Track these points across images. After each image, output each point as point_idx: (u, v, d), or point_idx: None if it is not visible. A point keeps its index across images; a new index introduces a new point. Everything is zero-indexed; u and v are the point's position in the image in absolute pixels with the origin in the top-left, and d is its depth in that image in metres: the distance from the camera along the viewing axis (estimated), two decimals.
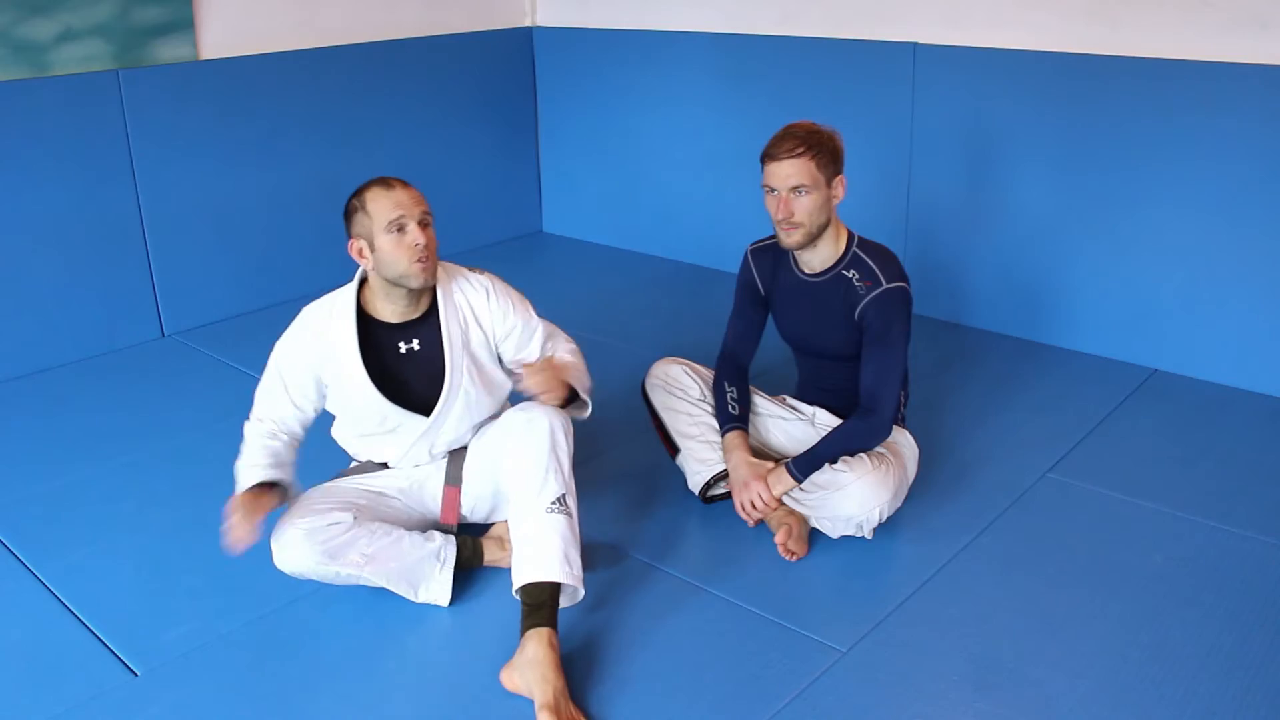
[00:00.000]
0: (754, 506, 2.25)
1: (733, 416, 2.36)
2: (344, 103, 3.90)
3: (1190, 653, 1.92)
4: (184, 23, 3.41)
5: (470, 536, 2.20)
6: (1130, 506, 2.41)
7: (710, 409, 2.42)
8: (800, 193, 2.18)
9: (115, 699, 1.86)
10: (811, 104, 3.63)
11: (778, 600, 2.10)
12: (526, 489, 1.98)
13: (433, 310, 2.12)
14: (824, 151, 2.18)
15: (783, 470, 2.24)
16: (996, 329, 3.46)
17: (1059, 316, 3.31)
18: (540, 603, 1.90)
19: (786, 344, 2.50)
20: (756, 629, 2.02)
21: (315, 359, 2.07)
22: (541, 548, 1.93)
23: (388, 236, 1.99)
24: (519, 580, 1.92)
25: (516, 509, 2.00)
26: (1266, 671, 1.86)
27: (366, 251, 2.02)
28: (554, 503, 1.97)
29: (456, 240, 4.40)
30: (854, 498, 2.20)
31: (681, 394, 2.43)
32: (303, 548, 1.97)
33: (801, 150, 2.17)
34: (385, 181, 2.04)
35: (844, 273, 2.28)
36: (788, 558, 2.22)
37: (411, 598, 2.08)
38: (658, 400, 2.45)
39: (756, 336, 2.49)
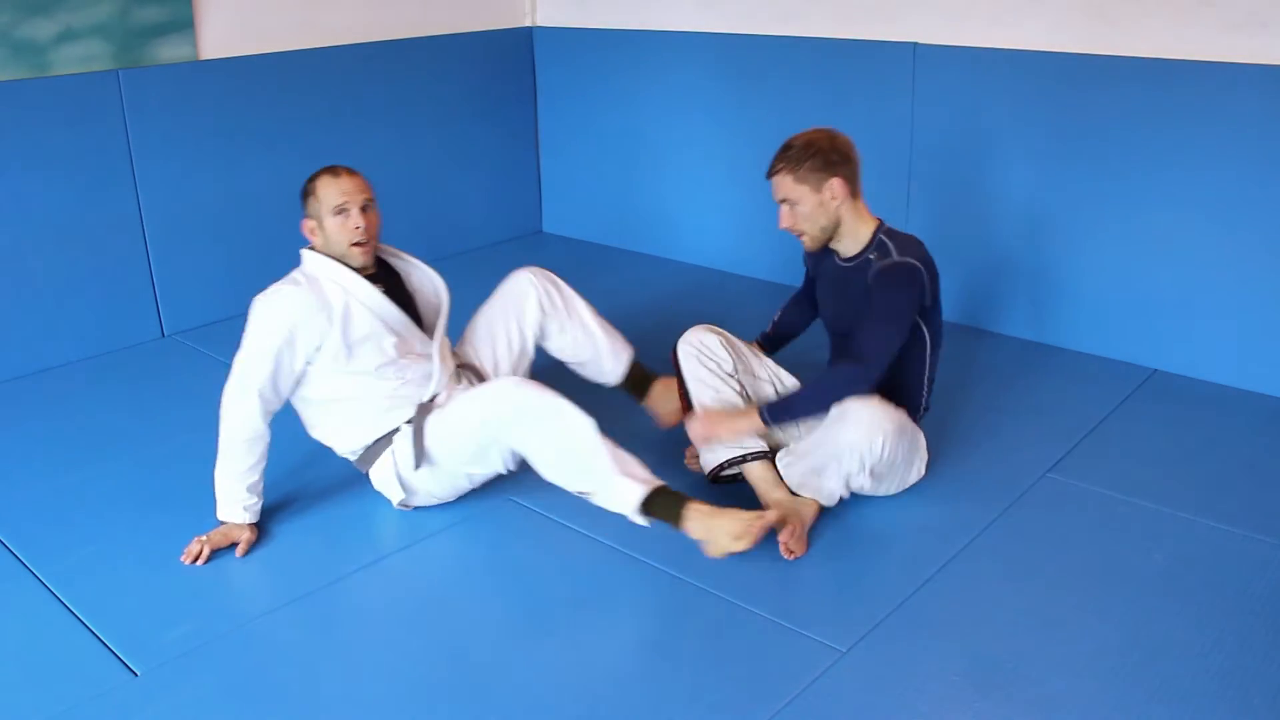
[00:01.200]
0: (706, 433, 2.34)
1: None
2: (344, 103, 3.90)
3: (1190, 653, 1.92)
4: (184, 23, 3.41)
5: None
6: (1130, 506, 2.41)
7: (738, 387, 2.44)
8: (789, 205, 2.34)
9: (115, 699, 1.86)
10: (811, 104, 3.64)
11: (778, 600, 2.10)
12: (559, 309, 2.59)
13: (382, 266, 2.44)
14: (801, 163, 2.30)
15: (754, 410, 2.30)
16: (996, 329, 3.46)
17: (1059, 316, 3.31)
18: (641, 372, 2.67)
19: (824, 328, 2.61)
20: (756, 629, 2.02)
21: (317, 315, 2.23)
22: (613, 336, 2.65)
23: (333, 219, 2.30)
24: (627, 362, 2.65)
25: (573, 323, 2.60)
26: (1266, 671, 1.86)
27: (317, 230, 2.34)
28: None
29: (456, 240, 4.41)
30: (858, 423, 2.22)
31: (714, 366, 2.44)
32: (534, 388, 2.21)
33: (780, 168, 2.33)
34: (333, 169, 2.35)
35: (869, 256, 2.36)
36: (787, 556, 2.22)
37: (610, 480, 2.15)
38: (688, 368, 2.46)
39: (806, 309, 2.70)
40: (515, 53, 4.46)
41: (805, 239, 2.39)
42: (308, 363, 2.27)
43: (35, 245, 3.21)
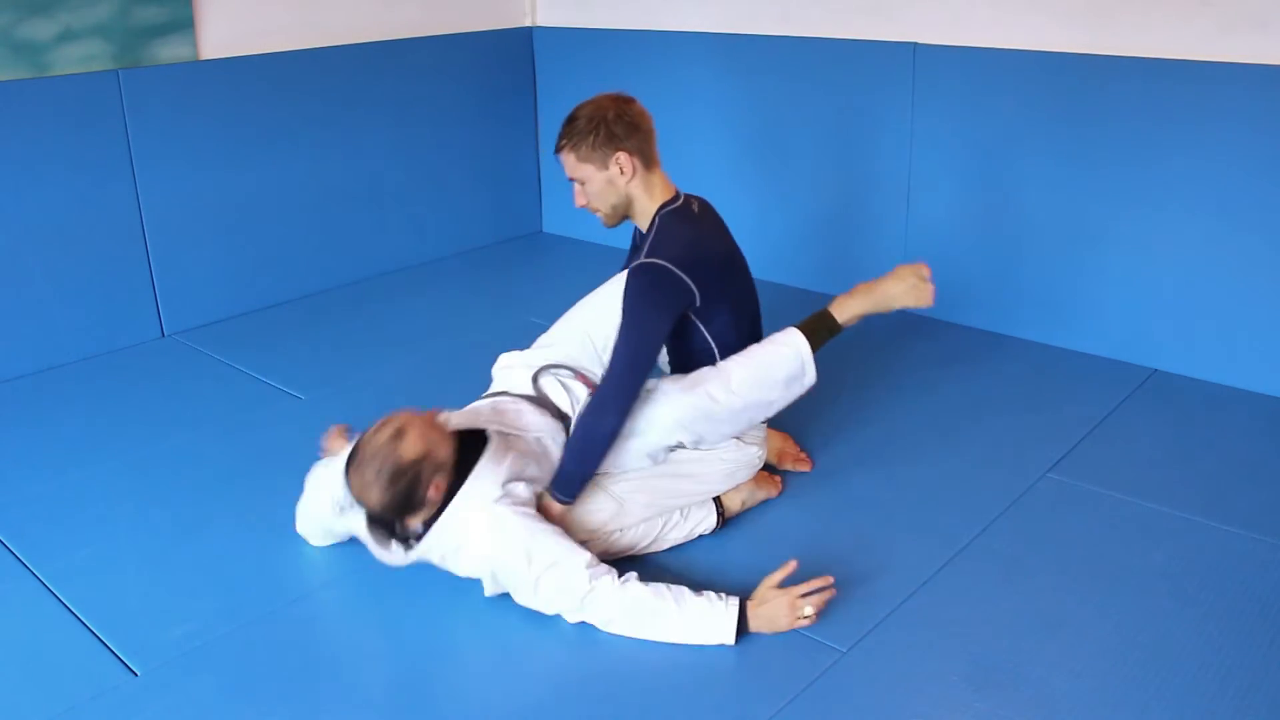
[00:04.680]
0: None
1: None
2: (344, 102, 3.90)
3: (1190, 653, 1.92)
4: (184, 23, 3.41)
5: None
6: (1130, 506, 2.42)
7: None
8: (578, 183, 2.22)
9: (115, 699, 1.86)
10: (812, 104, 3.64)
11: None
12: None
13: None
14: (584, 140, 2.16)
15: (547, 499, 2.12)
16: (996, 329, 3.46)
17: (1059, 316, 3.31)
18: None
19: None
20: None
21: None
22: None
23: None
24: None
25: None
26: (1266, 671, 1.86)
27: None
28: None
29: (457, 240, 4.42)
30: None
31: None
32: None
33: (563, 144, 2.19)
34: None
35: (648, 241, 2.21)
36: (805, 467, 2.46)
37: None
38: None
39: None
40: (515, 53, 4.46)
41: (600, 217, 2.25)
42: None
43: (35, 245, 3.21)
